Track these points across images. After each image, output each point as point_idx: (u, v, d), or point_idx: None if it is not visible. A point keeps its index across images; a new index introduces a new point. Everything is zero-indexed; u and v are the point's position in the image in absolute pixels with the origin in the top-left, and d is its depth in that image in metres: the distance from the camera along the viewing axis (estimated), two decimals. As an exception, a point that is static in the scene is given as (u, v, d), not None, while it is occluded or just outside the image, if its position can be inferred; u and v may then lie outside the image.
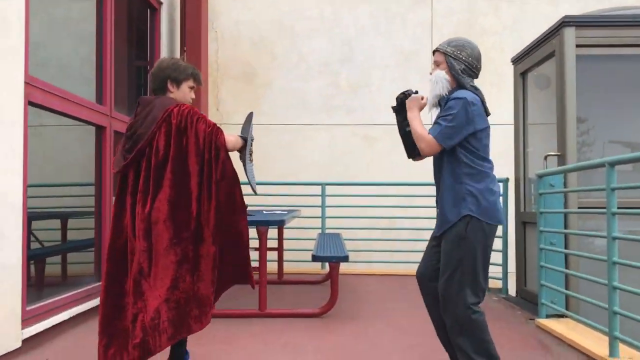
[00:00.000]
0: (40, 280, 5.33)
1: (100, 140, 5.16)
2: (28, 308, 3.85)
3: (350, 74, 8.71)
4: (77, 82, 6.77)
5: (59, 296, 4.36)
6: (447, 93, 2.97)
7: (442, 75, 2.98)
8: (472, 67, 3.01)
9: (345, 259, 4.81)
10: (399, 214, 7.87)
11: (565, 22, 4.98)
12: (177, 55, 7.39)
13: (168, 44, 7.16)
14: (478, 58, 3.04)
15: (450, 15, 8.78)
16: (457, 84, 2.99)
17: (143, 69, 6.94)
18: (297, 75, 8.66)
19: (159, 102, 2.99)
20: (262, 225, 4.90)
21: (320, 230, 7.74)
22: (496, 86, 8.65)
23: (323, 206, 7.71)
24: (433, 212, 8.25)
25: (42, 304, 4.09)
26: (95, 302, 4.81)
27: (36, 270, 5.30)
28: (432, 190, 8.69)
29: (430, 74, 3.06)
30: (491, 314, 5.11)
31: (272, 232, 6.82)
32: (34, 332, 3.83)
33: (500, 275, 6.11)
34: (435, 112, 3.09)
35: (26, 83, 3.81)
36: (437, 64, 3.05)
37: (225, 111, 8.59)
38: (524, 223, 5.83)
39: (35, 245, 5.92)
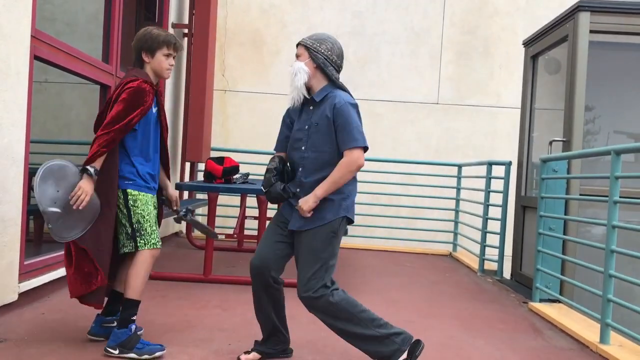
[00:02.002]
0: (39, 235, 5.36)
1: (104, 100, 5.12)
2: (26, 262, 3.86)
3: (359, 48, 8.63)
4: (83, 39, 6.71)
5: (56, 252, 4.37)
6: (303, 84, 2.99)
7: (301, 66, 3.01)
8: (332, 62, 3.04)
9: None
10: (399, 191, 7.88)
11: (581, 7, 4.91)
12: (186, 18, 7.31)
13: (177, 6, 7.08)
14: (339, 55, 3.09)
15: (463, -6, 8.66)
16: (324, 77, 3.03)
17: (151, 30, 6.87)
18: (306, 46, 8.57)
19: (125, 74, 3.11)
20: (263, 194, 4.89)
21: (319, 203, 7.75)
22: (505, 68, 8.60)
23: (324, 179, 7.71)
24: (433, 191, 8.32)
25: (40, 259, 4.11)
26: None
27: (35, 226, 5.33)
28: (435, 169, 8.70)
29: (291, 66, 3.08)
30: (485, 296, 5.17)
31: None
32: (31, 286, 3.85)
33: (496, 258, 6.14)
34: (296, 104, 3.07)
35: (32, 37, 3.77)
36: (297, 56, 3.08)
37: (231, 77, 8.53)
38: (524, 207, 5.84)
39: (35, 201, 5.93)
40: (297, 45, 3.10)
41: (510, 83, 8.50)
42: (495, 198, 6.65)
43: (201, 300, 4.26)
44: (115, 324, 3.15)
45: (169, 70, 3.16)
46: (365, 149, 2.97)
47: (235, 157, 5.74)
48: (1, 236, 3.48)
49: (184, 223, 7.40)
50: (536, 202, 4.97)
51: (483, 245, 6.38)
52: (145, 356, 2.98)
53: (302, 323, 3.85)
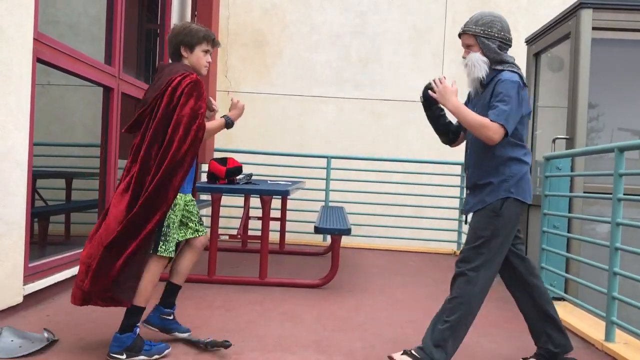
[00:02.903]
0: (43, 237, 5.38)
1: (107, 102, 5.13)
2: (30, 264, 3.87)
3: (361, 47, 8.63)
4: (86, 41, 6.73)
5: (61, 254, 4.38)
6: (485, 75, 2.92)
7: (478, 57, 2.92)
8: (506, 41, 2.95)
9: (348, 232, 4.82)
10: (402, 190, 7.87)
11: (583, 4, 4.90)
12: (188, 20, 7.32)
13: (179, 7, 7.09)
14: (508, 29, 2.98)
15: (465, -8, 8.65)
16: (493, 63, 2.94)
17: (153, 32, 6.88)
18: (308, 46, 8.58)
19: (168, 69, 3.01)
20: (266, 194, 4.90)
21: (323, 203, 7.76)
22: (508, 67, 8.55)
23: (327, 179, 7.72)
24: (436, 190, 8.30)
25: (44, 261, 4.12)
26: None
27: (40, 228, 5.34)
28: (438, 168, 8.68)
29: (464, 57, 3.00)
30: (490, 295, 5.14)
31: (276, 203, 6.85)
32: (35, 289, 3.86)
33: (501, 256, 6.12)
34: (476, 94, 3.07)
35: (35, 39, 3.78)
36: (468, 47, 2.97)
37: (233, 78, 8.54)
38: (528, 205, 5.81)
39: (39, 203, 5.96)
40: (462, 34, 2.98)
41: (513, 81, 8.47)
42: (499, 196, 6.63)
43: (205, 301, 4.26)
44: (172, 317, 3.23)
45: (206, 67, 3.14)
46: (506, 132, 2.80)
47: (238, 158, 5.74)
48: (5, 239, 3.49)
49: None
50: (540, 200, 4.95)
51: (487, 243, 6.35)
52: (155, 356, 2.97)
53: (305, 322, 3.85)
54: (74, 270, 4.42)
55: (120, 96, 5.23)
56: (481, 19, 2.95)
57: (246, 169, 5.86)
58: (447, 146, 3.35)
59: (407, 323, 3.99)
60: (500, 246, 2.94)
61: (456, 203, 7.85)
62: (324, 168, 7.72)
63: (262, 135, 8.42)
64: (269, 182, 6.10)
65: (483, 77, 2.92)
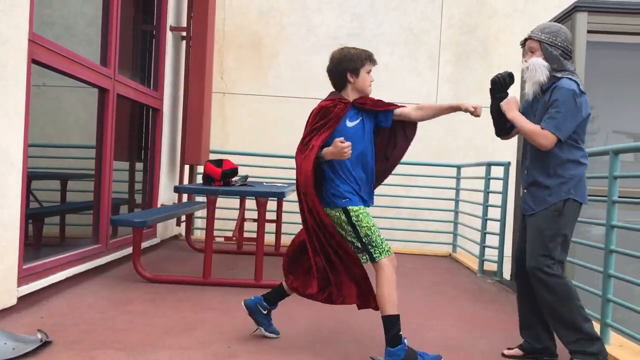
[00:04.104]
0: (38, 239, 5.35)
1: (103, 103, 5.13)
2: (25, 266, 3.86)
3: (357, 49, 8.63)
4: (82, 42, 6.71)
5: (56, 256, 4.37)
6: (546, 80, 3.07)
7: (540, 62, 3.07)
8: (568, 52, 3.10)
9: (343, 234, 4.81)
10: (398, 192, 7.87)
11: (578, 7, 4.92)
12: (184, 21, 7.30)
13: (175, 9, 7.09)
14: (571, 41, 3.14)
15: (461, -5, 8.67)
16: (553, 70, 3.08)
17: (149, 33, 6.87)
18: (305, 48, 8.58)
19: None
20: (262, 196, 4.90)
21: (319, 205, 7.74)
22: (504, 69, 8.57)
23: (323, 181, 7.70)
24: (433, 192, 8.29)
25: (39, 262, 4.11)
26: (92, 264, 4.84)
27: (34, 230, 5.32)
28: (434, 170, 8.65)
29: (525, 61, 3.15)
30: (485, 297, 5.16)
31: (271, 205, 6.84)
32: (29, 290, 3.84)
33: (496, 259, 6.13)
34: (538, 98, 3.19)
35: (30, 41, 3.77)
36: (531, 51, 3.13)
37: (229, 80, 8.53)
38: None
39: (34, 205, 5.93)
40: (527, 39, 3.15)
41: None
42: (495, 199, 6.65)
43: (200, 303, 4.26)
44: (266, 312, 3.42)
45: (370, 87, 3.28)
46: (558, 138, 3.02)
47: (234, 160, 5.74)
48: (0, 240, 3.48)
49: (183, 225, 7.38)
50: (535, 203, 4.96)
51: (483, 246, 6.37)
52: None
53: (301, 325, 3.84)
54: (68, 272, 4.41)
55: (115, 97, 5.23)
56: (548, 27, 3.13)
57: (242, 171, 5.85)
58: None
59: (403, 325, 3.98)
60: (562, 243, 3.11)
61: (452, 205, 7.86)
62: (320, 170, 7.71)
63: (258, 137, 8.42)
64: (264, 184, 6.09)
65: (544, 81, 3.07)
